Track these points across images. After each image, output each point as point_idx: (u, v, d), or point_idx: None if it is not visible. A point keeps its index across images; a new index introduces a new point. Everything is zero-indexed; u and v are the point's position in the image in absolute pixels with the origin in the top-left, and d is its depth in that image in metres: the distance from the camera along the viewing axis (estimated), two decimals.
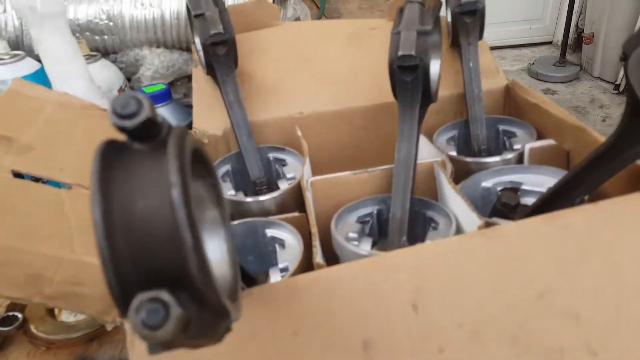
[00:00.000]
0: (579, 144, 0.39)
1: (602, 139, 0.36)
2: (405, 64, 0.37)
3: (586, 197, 0.33)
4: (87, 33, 0.59)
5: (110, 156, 0.16)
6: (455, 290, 0.27)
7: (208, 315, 0.17)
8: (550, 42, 3.06)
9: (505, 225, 0.28)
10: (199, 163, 0.21)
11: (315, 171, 0.54)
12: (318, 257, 0.31)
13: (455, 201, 0.36)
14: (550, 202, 0.34)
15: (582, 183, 0.32)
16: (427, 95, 0.40)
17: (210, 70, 0.50)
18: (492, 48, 3.03)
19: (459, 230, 0.35)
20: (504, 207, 0.37)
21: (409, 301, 0.27)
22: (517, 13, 2.96)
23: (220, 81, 0.50)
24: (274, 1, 0.64)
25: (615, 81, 2.47)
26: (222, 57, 0.48)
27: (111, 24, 0.58)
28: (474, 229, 0.32)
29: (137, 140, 0.17)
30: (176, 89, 0.65)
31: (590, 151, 0.31)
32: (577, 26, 2.75)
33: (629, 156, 0.29)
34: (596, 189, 0.32)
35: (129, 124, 0.16)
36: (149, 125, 0.17)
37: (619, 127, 0.28)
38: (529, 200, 0.39)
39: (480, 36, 0.49)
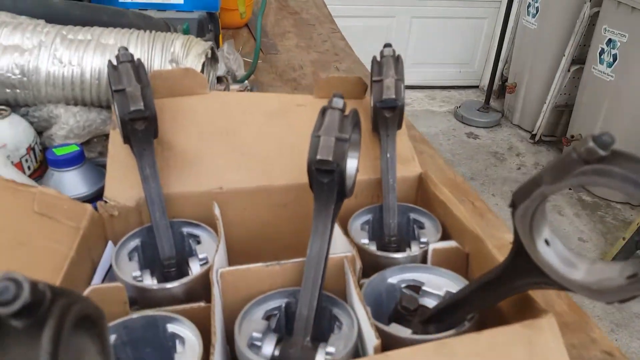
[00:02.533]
0: (476, 251, 0.42)
1: (495, 252, 0.39)
2: (323, 168, 0.38)
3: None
4: None
5: None
6: None
7: None
8: (477, 86, 3.26)
9: (396, 353, 0.29)
10: (91, 324, 0.20)
11: (232, 249, 0.53)
12: None
13: (358, 306, 0.37)
14: (445, 313, 0.36)
15: (473, 303, 0.34)
16: (342, 193, 0.41)
17: (128, 141, 0.48)
18: (424, 87, 3.19)
19: (360, 336, 0.36)
20: (404, 309, 0.39)
21: None
22: (449, 55, 3.09)
23: (137, 154, 0.48)
24: (203, 66, 0.63)
25: (532, 131, 2.68)
26: (140, 131, 0.47)
27: (25, 79, 0.55)
28: (372, 342, 0.33)
29: (16, 318, 0.16)
30: (92, 147, 0.62)
31: (482, 274, 0.33)
32: (502, 74, 2.97)
33: (513, 287, 0.31)
34: (487, 309, 0.34)
35: (5, 311, 0.15)
36: (29, 307, 0.16)
37: (505, 261, 0.31)
38: (428, 301, 0.41)
39: (399, 126, 0.52)
